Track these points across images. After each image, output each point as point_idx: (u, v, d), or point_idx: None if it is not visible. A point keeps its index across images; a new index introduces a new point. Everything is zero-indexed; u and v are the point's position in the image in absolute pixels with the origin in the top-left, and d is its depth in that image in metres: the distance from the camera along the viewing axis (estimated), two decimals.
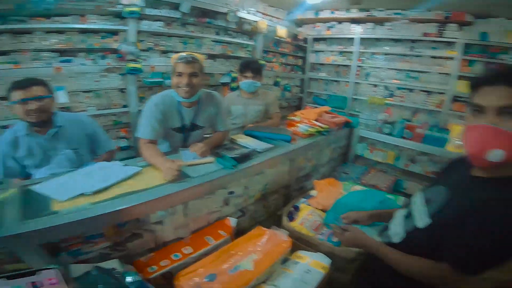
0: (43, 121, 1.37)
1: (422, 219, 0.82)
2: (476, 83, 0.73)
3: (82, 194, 0.99)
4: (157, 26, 2.69)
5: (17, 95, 1.30)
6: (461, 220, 0.70)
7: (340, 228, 1.07)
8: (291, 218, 1.45)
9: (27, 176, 1.44)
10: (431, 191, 0.88)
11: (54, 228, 0.83)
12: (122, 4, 2.36)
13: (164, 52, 2.91)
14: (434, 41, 3.72)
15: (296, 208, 1.52)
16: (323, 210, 1.50)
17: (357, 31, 4.30)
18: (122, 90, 2.70)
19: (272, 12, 4.21)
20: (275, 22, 4.08)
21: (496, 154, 0.67)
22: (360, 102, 4.45)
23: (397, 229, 0.91)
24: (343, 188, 1.70)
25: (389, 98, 4.11)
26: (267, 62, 4.14)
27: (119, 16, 2.45)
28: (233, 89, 3.41)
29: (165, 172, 1.15)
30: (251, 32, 3.73)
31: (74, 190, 1.00)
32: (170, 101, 1.47)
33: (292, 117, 2.04)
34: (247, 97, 2.11)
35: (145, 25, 2.60)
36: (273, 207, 1.72)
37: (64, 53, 2.33)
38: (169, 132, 1.54)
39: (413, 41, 3.89)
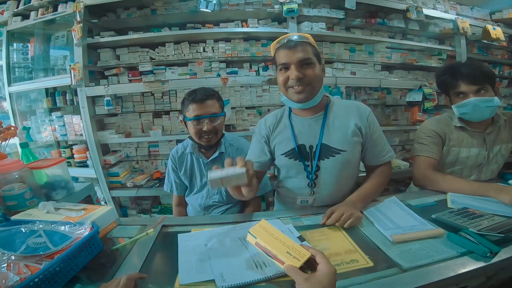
0: (211, 145, 1.19)
1: None
2: None
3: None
4: (319, 28, 2.20)
5: (191, 109, 1.11)
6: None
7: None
8: None
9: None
10: None
11: None
12: (280, 3, 2.08)
13: (329, 62, 2.33)
14: None
15: None
16: None
17: None
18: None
19: (463, 9, 2.99)
20: (474, 20, 2.84)
21: None
22: None
23: None
24: None
25: None
26: None
27: (278, 19, 2.22)
28: (427, 112, 2.37)
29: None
30: (442, 35, 2.65)
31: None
32: (280, 114, 1.09)
33: None
34: (475, 131, 1.16)
35: (306, 27, 2.17)
36: None
37: (230, 64, 2.28)
38: (282, 161, 1.03)
39: None
